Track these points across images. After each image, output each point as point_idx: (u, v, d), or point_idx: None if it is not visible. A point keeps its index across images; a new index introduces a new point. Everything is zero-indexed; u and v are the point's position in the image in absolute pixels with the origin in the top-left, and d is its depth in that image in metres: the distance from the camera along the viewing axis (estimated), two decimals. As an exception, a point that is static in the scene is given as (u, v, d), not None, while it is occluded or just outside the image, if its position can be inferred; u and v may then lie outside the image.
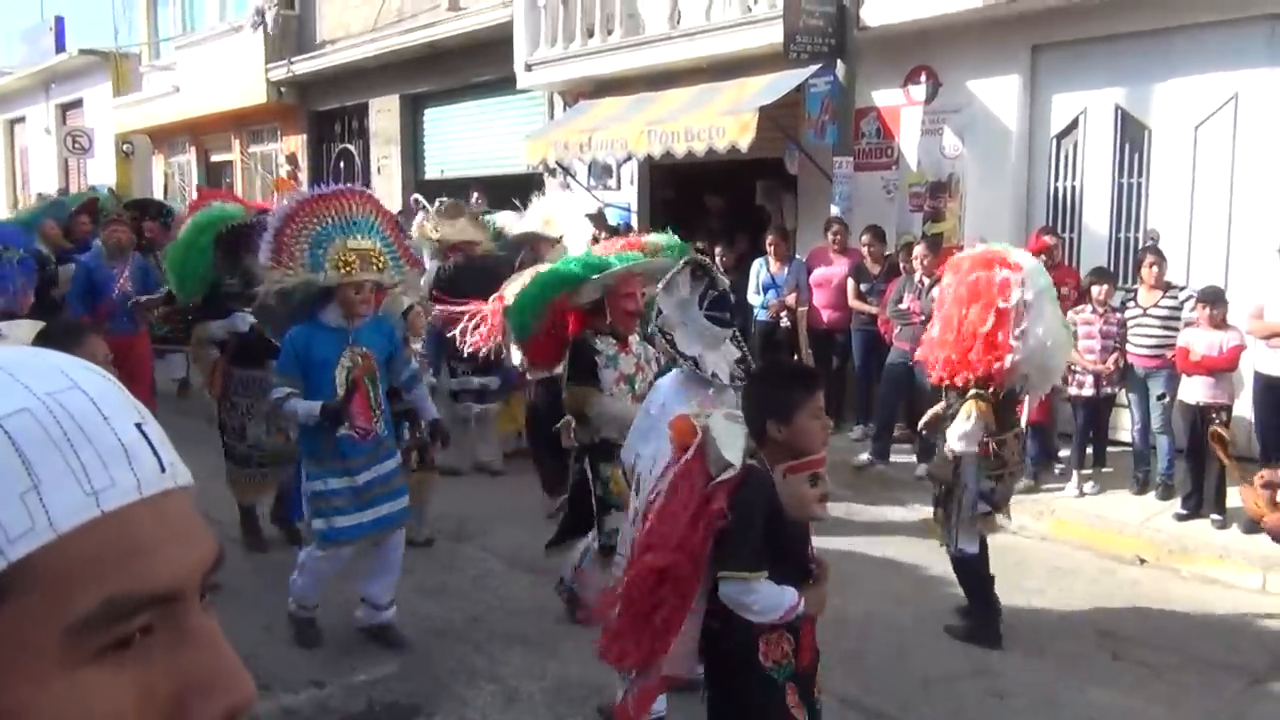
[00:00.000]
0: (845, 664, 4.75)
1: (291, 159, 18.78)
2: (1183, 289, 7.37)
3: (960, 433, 5.02)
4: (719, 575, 2.88)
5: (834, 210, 9.46)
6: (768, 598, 2.88)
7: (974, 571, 5.24)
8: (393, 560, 5.03)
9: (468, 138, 15.36)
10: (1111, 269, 8.21)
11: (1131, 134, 8.57)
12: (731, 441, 2.92)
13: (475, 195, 11.65)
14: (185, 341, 8.33)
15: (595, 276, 4.97)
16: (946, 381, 5.19)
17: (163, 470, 0.67)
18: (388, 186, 16.11)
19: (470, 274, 7.77)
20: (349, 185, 5.08)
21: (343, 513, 4.77)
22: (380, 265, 4.74)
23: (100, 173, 22.82)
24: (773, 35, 9.59)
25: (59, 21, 26.30)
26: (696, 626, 2.97)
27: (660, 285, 4.24)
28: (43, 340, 3.48)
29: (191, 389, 10.11)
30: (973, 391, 5.01)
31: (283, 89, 17.82)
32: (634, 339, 5.07)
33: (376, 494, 4.83)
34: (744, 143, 9.34)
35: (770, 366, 3.71)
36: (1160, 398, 7.19)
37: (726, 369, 4.06)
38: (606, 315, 5.01)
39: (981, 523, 5.17)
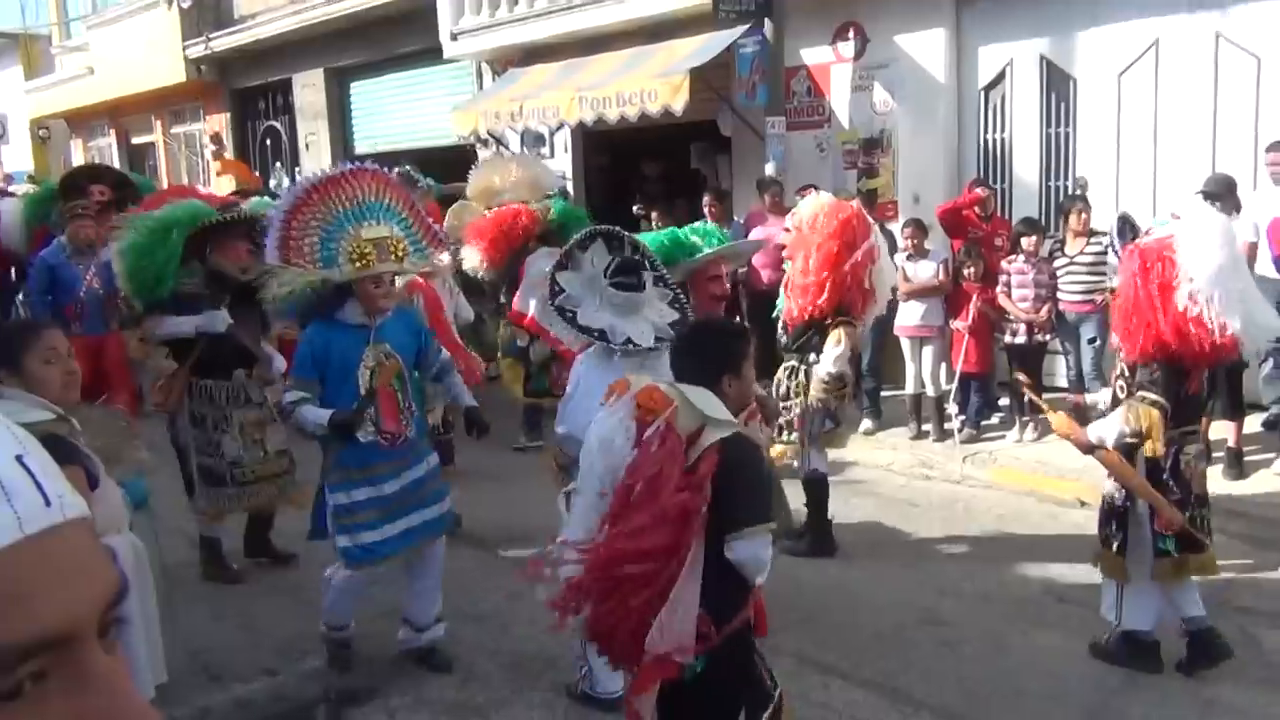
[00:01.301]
0: (799, 623, 4.81)
1: (216, 138, 18.29)
2: (1106, 234, 7.49)
3: (835, 356, 5.52)
4: (735, 536, 2.73)
5: (768, 170, 9.47)
6: (768, 552, 2.81)
7: (824, 489, 5.82)
8: (431, 576, 4.56)
9: (397, 110, 15.10)
10: (1043, 218, 8.33)
11: (1057, 84, 8.68)
12: (708, 400, 2.83)
13: (407, 166, 11.45)
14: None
15: (682, 263, 4.68)
16: (810, 314, 5.62)
17: (47, 504, 0.63)
18: (317, 163, 15.79)
19: None
20: (356, 164, 4.49)
21: (370, 527, 4.29)
22: (400, 253, 4.25)
23: (15, 159, 22.10)
24: (706, -6, 9.53)
25: (-37, 4, 25.36)
26: (694, 604, 2.72)
27: (554, 262, 4.28)
28: None
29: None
30: (842, 319, 5.56)
31: (202, 66, 17.36)
32: None
33: (408, 503, 4.36)
34: (677, 105, 9.30)
35: (704, 325, 3.66)
36: (1091, 341, 7.34)
37: (647, 332, 3.95)
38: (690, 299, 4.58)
39: (828, 439, 5.82)
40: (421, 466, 4.43)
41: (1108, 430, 4.28)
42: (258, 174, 15.93)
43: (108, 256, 7.42)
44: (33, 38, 22.71)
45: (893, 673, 4.46)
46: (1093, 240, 7.32)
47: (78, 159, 22.10)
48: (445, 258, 7.99)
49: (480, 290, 8.64)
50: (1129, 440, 4.22)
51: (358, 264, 4.12)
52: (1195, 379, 4.28)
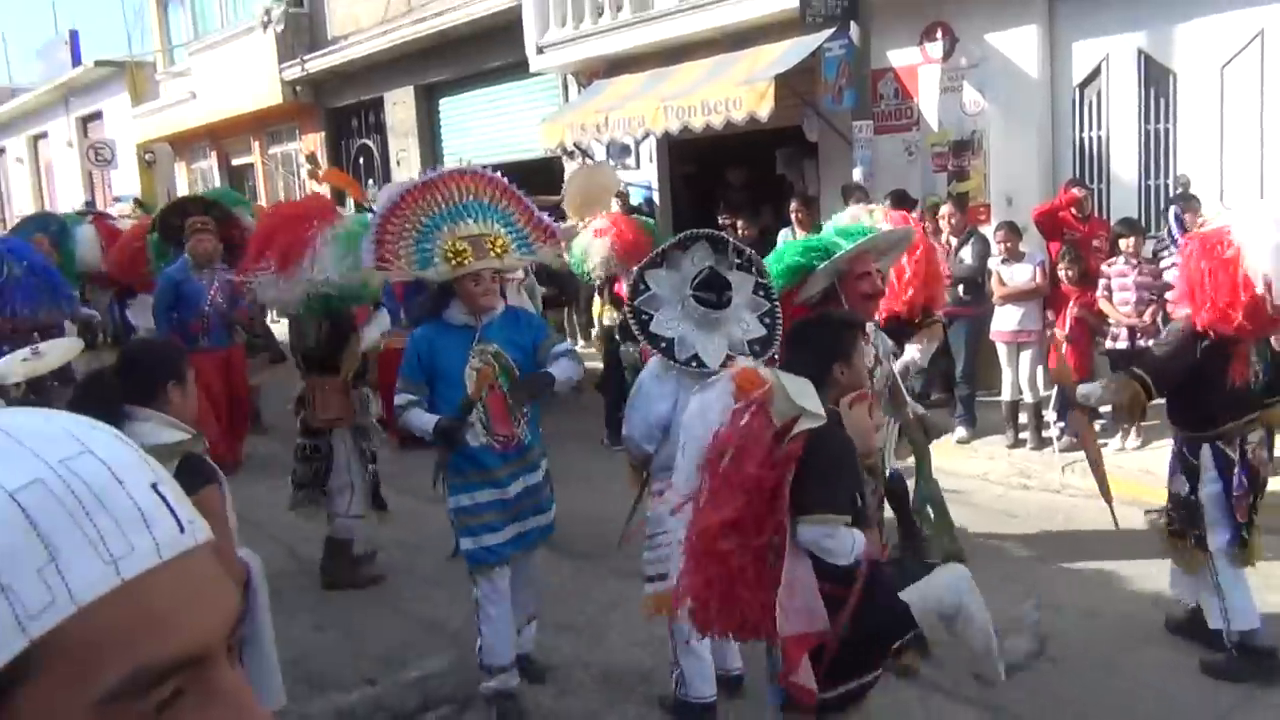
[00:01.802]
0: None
1: (311, 158, 18.78)
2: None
3: (929, 351, 5.53)
4: (799, 519, 2.89)
5: (856, 175, 9.36)
6: (844, 540, 2.94)
7: (905, 492, 5.42)
8: (536, 575, 4.51)
9: (484, 124, 15.34)
10: (1142, 218, 8.09)
11: (1156, 78, 8.42)
12: (804, 390, 2.94)
13: None
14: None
15: (824, 263, 4.43)
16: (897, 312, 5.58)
17: (181, 530, 0.66)
18: (408, 178, 16.13)
19: None
20: (455, 168, 4.41)
21: (492, 528, 4.21)
22: (499, 249, 4.16)
23: (124, 183, 23.01)
24: (784, 2, 9.48)
25: (73, 35, 26.56)
26: (809, 581, 2.94)
27: (647, 261, 4.19)
28: (130, 365, 3.39)
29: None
30: (935, 318, 5.66)
31: (298, 88, 17.86)
32: (870, 326, 4.34)
33: (526, 506, 4.27)
34: (762, 112, 9.26)
35: (822, 316, 3.77)
36: None
37: (719, 352, 3.91)
38: (841, 303, 4.41)
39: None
40: (538, 472, 4.34)
41: (1095, 395, 4.66)
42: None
43: (227, 271, 7.84)
44: (139, 65, 23.62)
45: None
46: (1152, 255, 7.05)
47: (181, 181, 22.95)
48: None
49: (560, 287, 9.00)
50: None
51: (453, 262, 4.07)
52: (1239, 367, 4.29)
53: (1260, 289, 4.03)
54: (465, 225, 4.16)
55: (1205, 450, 4.37)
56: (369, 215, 5.21)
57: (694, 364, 3.89)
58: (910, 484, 5.35)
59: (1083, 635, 4.87)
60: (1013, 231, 7.74)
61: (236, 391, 8.07)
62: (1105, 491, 4.63)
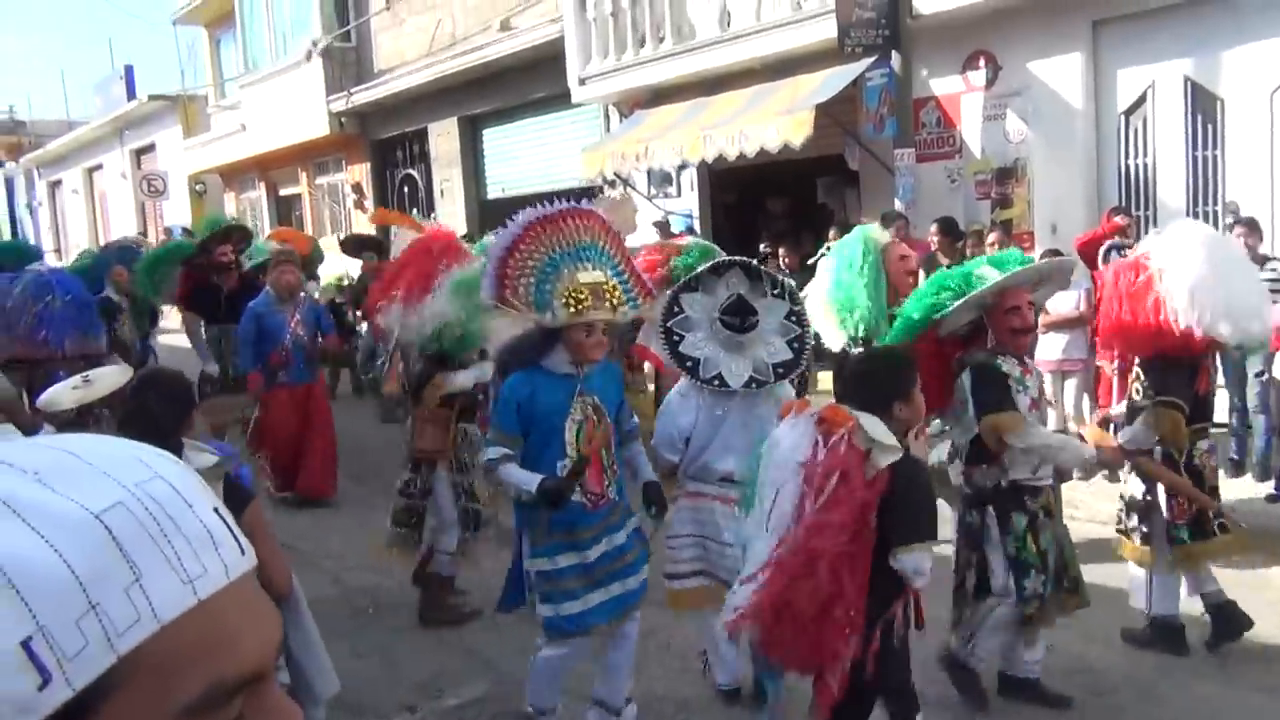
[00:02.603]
0: (939, 668, 4.66)
1: (357, 188, 19.12)
2: (1274, 259, 7.09)
3: None
4: (901, 549, 3.10)
5: (898, 204, 9.34)
6: (928, 562, 3.17)
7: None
8: (624, 652, 4.15)
9: (527, 155, 15.51)
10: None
11: (1203, 105, 8.32)
12: (879, 429, 3.14)
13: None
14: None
15: (966, 298, 4.22)
16: None
17: (242, 552, 0.69)
18: (451, 208, 16.33)
19: None
20: (573, 204, 4.12)
21: (572, 596, 3.95)
22: (615, 300, 3.89)
23: (175, 213, 23.49)
24: (824, 31, 9.51)
25: (128, 70, 27.23)
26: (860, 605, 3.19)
27: (682, 285, 4.38)
28: (160, 394, 3.44)
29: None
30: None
31: (344, 120, 18.18)
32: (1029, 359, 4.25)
33: (611, 570, 4.00)
34: (798, 140, 9.26)
35: (873, 355, 4.03)
36: (1259, 375, 6.94)
37: (743, 372, 4.15)
38: (987, 339, 4.27)
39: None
40: (623, 532, 4.06)
41: (1140, 437, 4.58)
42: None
43: (310, 303, 7.99)
44: (191, 99, 24.18)
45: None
46: (1264, 268, 6.84)
47: (231, 212, 23.38)
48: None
49: None
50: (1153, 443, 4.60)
51: (572, 309, 3.79)
52: (1203, 379, 4.61)
53: (1172, 314, 4.37)
54: (585, 270, 3.89)
55: (1157, 453, 4.67)
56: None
57: (716, 383, 4.13)
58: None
59: (1127, 666, 4.77)
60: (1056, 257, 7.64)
61: (320, 427, 7.96)
62: (1203, 500, 4.69)
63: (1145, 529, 4.79)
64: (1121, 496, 4.95)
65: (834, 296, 5.34)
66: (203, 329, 9.25)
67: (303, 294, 7.97)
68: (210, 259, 8.89)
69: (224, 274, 8.87)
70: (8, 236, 31.56)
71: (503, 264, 3.92)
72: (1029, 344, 4.32)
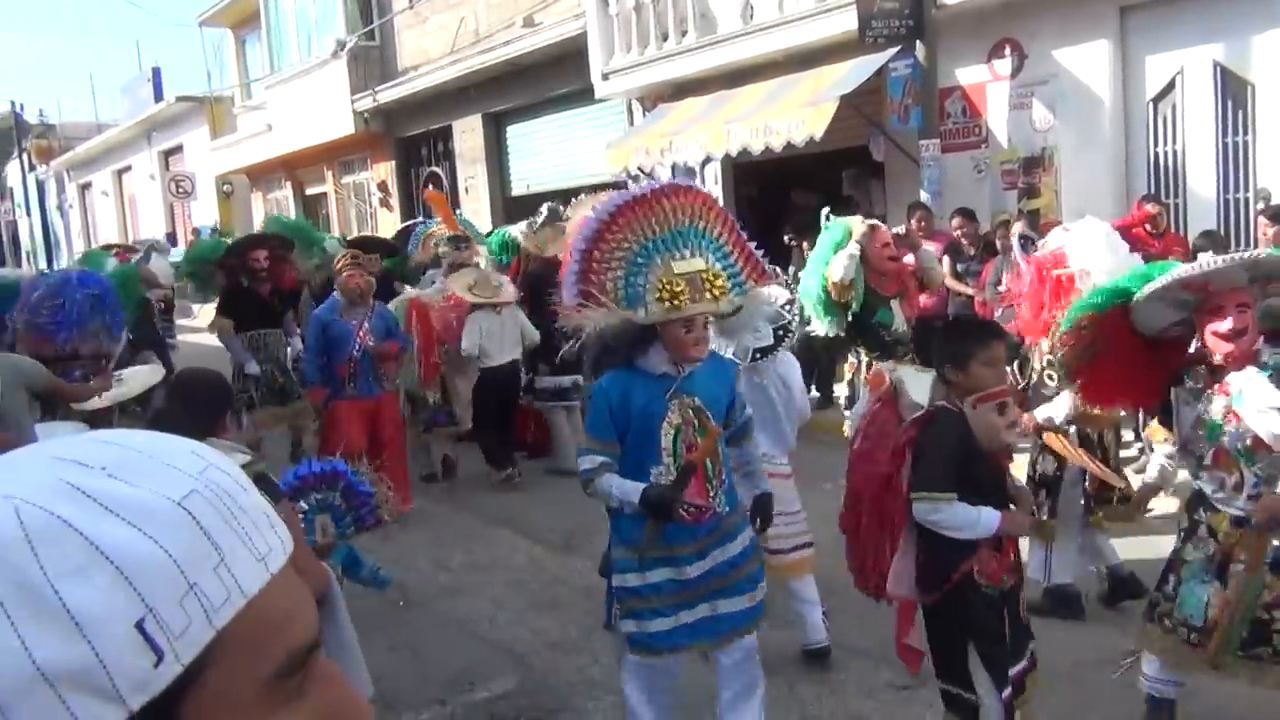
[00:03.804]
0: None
1: (382, 186, 19.23)
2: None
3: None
4: (911, 497, 3.31)
5: (923, 195, 9.28)
6: (955, 516, 3.27)
7: None
8: (743, 680, 3.75)
9: (551, 151, 15.54)
10: (1221, 231, 7.88)
11: (1233, 90, 8.22)
12: (917, 387, 3.52)
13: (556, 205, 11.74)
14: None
15: (1152, 288, 3.62)
16: None
17: (288, 533, 0.74)
18: (476, 205, 16.38)
19: (549, 278, 8.05)
20: (669, 182, 3.73)
21: (660, 614, 3.58)
22: (718, 291, 3.50)
23: (203, 214, 23.71)
24: (847, 22, 9.47)
25: (156, 72, 27.52)
26: (911, 554, 3.43)
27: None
28: (192, 396, 3.48)
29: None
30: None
31: (369, 118, 18.28)
32: (1250, 371, 3.54)
33: (712, 588, 3.60)
34: (821, 133, 9.22)
35: (952, 321, 4.78)
36: None
37: (727, 354, 4.22)
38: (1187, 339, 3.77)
39: None
40: (734, 545, 3.67)
41: (1056, 412, 4.92)
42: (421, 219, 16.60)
43: (381, 309, 7.36)
44: (218, 100, 24.38)
45: (1069, 714, 4.25)
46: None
47: (258, 211, 23.58)
48: (511, 290, 8.26)
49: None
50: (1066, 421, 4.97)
51: (667, 305, 3.42)
52: None
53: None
54: (682, 258, 3.50)
55: (1073, 433, 5.03)
56: None
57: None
58: None
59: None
60: None
61: (389, 442, 7.28)
62: (1110, 476, 4.99)
63: (1051, 503, 5.13)
64: (1031, 477, 5.22)
65: (805, 282, 6.07)
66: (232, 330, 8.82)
67: (374, 301, 7.36)
68: (243, 262, 8.48)
69: (256, 279, 8.39)
70: (40, 239, 32.01)
71: (587, 256, 3.51)
72: (1237, 353, 3.55)
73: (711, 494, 3.59)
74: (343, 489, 3.91)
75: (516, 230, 9.66)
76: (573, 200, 9.40)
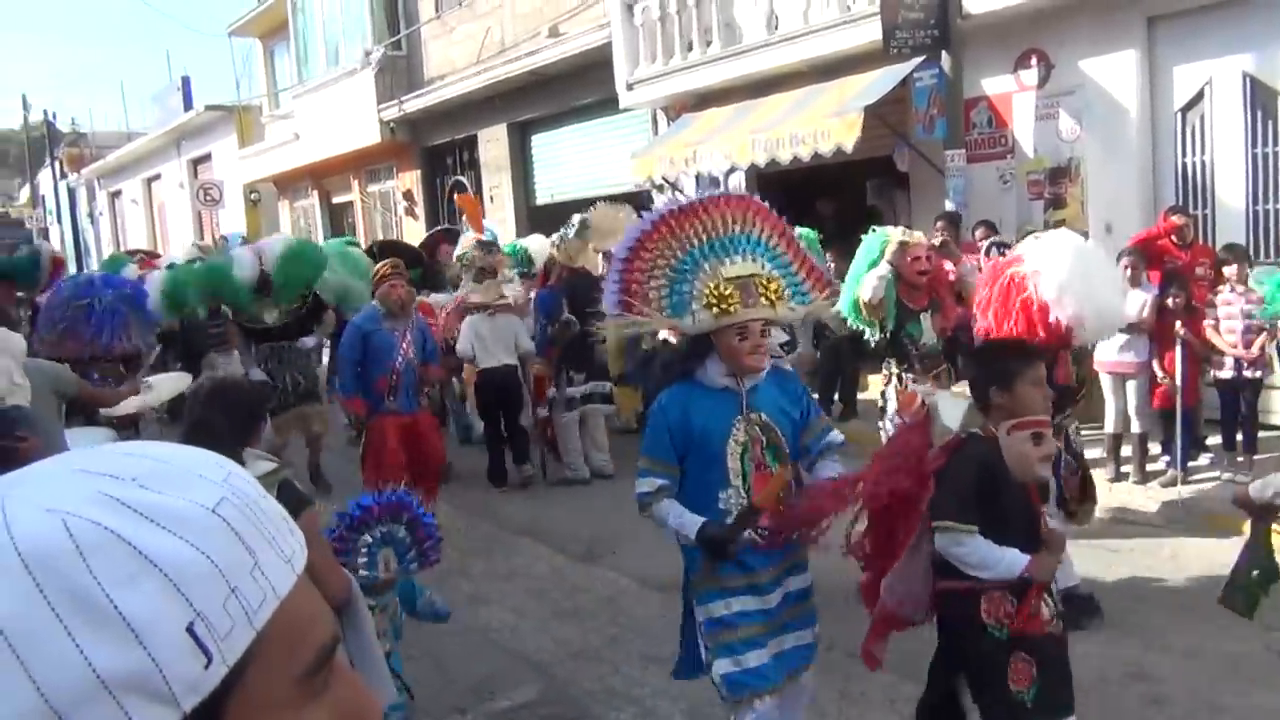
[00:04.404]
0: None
1: (408, 195, 19.33)
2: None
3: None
4: (933, 525, 3.18)
5: (948, 205, 9.25)
6: (977, 553, 3.13)
7: None
8: (798, 713, 3.61)
9: (575, 160, 15.58)
10: (1251, 243, 7.81)
11: (1263, 100, 8.15)
12: (951, 413, 3.34)
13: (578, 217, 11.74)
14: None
15: None
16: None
17: (305, 543, 0.76)
18: (500, 214, 16.45)
19: (579, 288, 8.21)
20: (719, 193, 3.55)
21: (755, 644, 3.34)
22: (773, 294, 3.29)
23: (230, 222, 23.91)
24: (872, 33, 9.46)
25: (185, 81, 27.74)
26: (920, 570, 3.29)
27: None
28: (230, 405, 3.47)
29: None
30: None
31: (395, 127, 18.37)
32: None
33: (787, 618, 3.43)
34: (849, 143, 9.21)
35: (994, 341, 4.39)
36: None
37: None
38: None
39: None
40: (804, 576, 3.52)
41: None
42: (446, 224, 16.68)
43: (421, 321, 7.15)
44: (246, 109, 24.59)
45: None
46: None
47: (285, 220, 23.75)
48: (518, 289, 8.39)
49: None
50: None
51: (715, 310, 3.24)
52: (1061, 370, 5.13)
53: (1054, 313, 4.93)
54: (732, 263, 3.34)
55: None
56: None
57: None
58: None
59: (1187, 676, 4.68)
60: (1138, 259, 7.46)
61: (427, 461, 6.98)
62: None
63: None
64: None
65: (843, 294, 6.25)
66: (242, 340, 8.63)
67: (417, 313, 7.16)
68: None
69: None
70: (71, 246, 32.37)
71: (629, 265, 3.38)
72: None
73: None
74: (408, 521, 3.76)
75: (528, 242, 9.83)
76: (590, 209, 9.52)
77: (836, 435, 3.61)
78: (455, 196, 16.59)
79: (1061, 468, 5.02)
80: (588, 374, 8.37)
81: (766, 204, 3.54)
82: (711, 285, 3.26)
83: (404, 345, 6.80)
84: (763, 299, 3.28)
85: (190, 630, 0.63)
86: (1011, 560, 3.11)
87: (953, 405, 3.34)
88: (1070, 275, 4.95)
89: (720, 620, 3.35)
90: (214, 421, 3.35)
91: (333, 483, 8.23)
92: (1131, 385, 7.45)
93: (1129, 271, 7.45)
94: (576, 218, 8.77)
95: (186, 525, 0.66)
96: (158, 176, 30.09)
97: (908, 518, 3.28)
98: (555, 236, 9.09)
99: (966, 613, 3.19)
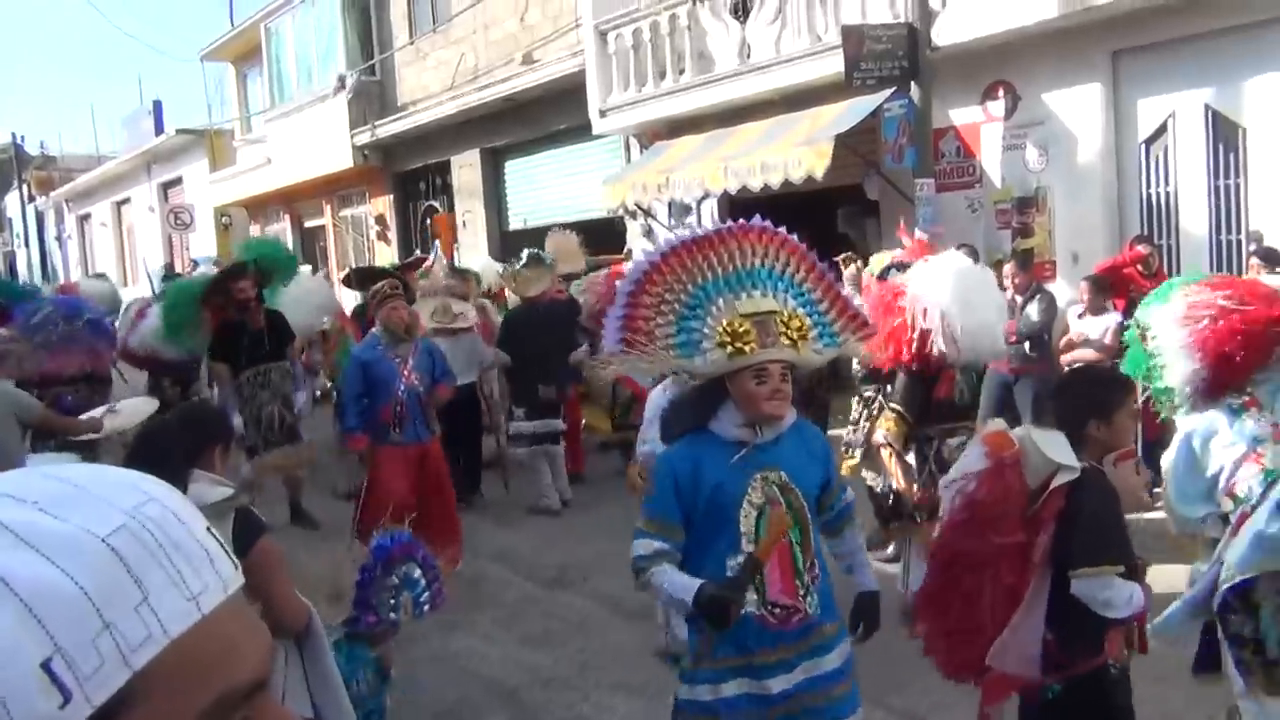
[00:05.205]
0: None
1: (380, 220, 19.30)
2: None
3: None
4: (1072, 574, 2.95)
5: (918, 233, 9.33)
6: (1122, 593, 2.95)
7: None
8: None
9: (548, 186, 15.63)
10: (1214, 273, 7.92)
11: (1225, 134, 8.31)
12: (1057, 445, 3.03)
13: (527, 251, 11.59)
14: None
15: None
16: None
17: (236, 568, 0.72)
18: (473, 239, 16.45)
19: (535, 318, 8.34)
20: (738, 223, 3.13)
21: None
22: (795, 334, 2.89)
23: (201, 246, 23.74)
24: (842, 64, 9.56)
25: (157, 105, 27.75)
26: (1036, 629, 3.03)
27: None
28: (182, 427, 3.45)
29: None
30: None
31: (367, 152, 18.37)
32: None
33: (799, 708, 2.93)
34: (820, 171, 9.30)
35: (1087, 371, 4.35)
36: None
37: None
38: None
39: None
40: (830, 657, 2.98)
41: (879, 435, 5.33)
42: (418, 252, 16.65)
43: (426, 344, 6.72)
44: (218, 133, 24.51)
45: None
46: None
47: (256, 243, 23.57)
48: (470, 317, 8.42)
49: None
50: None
51: (729, 349, 2.84)
52: (944, 386, 5.20)
53: (934, 334, 5.02)
54: (750, 298, 2.93)
55: (912, 448, 5.27)
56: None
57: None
58: None
59: (1197, 702, 4.70)
60: (1098, 288, 7.57)
61: (439, 493, 6.61)
62: (906, 490, 5.28)
63: (894, 513, 5.51)
64: (881, 488, 5.63)
65: None
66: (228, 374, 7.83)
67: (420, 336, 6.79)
68: (229, 297, 7.76)
69: (246, 312, 7.71)
70: (38, 269, 32.04)
71: (634, 299, 2.96)
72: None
73: (801, 592, 2.93)
74: (421, 559, 3.68)
75: (473, 264, 9.87)
76: (549, 233, 9.55)
77: (850, 494, 3.28)
78: (434, 218, 16.65)
79: (924, 478, 5.26)
80: (528, 410, 8.18)
81: (794, 237, 3.16)
82: (725, 322, 2.86)
83: (405, 371, 6.43)
84: (783, 338, 2.87)
85: (46, 666, 0.59)
86: (1138, 596, 3.00)
87: (1051, 440, 3.03)
88: (949, 298, 5.09)
89: (699, 704, 2.93)
90: (161, 438, 3.31)
91: (320, 519, 7.92)
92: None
93: (1085, 298, 7.58)
94: (526, 252, 8.80)
95: (68, 553, 0.62)
96: (127, 200, 29.88)
97: (1016, 570, 3.02)
98: (502, 267, 9.21)
99: (1091, 658, 3.06)
